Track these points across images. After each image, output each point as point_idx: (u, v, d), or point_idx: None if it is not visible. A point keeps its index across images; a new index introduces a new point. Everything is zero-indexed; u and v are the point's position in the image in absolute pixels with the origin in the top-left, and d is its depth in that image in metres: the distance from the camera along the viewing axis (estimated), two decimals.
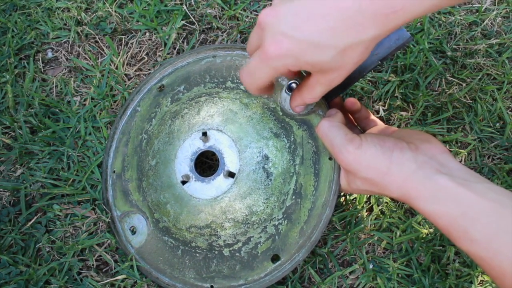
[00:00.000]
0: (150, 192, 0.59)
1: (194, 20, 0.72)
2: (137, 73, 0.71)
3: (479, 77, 0.68)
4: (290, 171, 0.54)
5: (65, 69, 0.73)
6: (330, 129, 0.48)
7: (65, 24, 0.75)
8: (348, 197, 0.62)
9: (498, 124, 0.66)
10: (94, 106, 0.69)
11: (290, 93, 0.51)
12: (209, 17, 0.72)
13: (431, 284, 0.57)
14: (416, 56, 0.68)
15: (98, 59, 0.72)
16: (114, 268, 0.60)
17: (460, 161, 0.64)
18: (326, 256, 0.60)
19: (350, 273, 0.60)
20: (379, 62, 0.48)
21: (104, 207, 0.62)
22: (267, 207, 0.54)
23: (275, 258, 0.54)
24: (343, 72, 0.40)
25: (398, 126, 0.66)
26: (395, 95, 0.67)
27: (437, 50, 0.70)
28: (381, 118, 0.66)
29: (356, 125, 0.60)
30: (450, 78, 0.68)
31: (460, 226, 0.39)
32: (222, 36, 0.72)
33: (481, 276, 0.57)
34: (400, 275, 0.58)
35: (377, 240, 0.61)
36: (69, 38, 0.73)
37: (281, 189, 0.54)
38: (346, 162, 0.46)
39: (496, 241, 0.37)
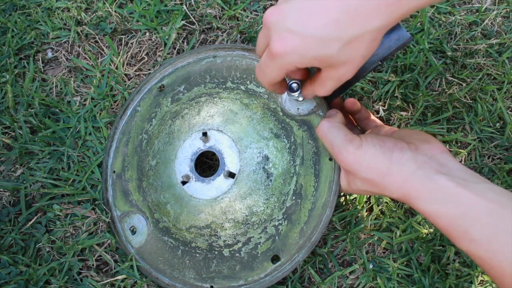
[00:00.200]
0: (150, 192, 0.59)
1: (194, 20, 0.72)
2: (137, 73, 0.71)
3: (479, 77, 0.68)
4: (290, 172, 0.54)
5: (65, 69, 0.73)
6: (330, 130, 0.48)
7: (65, 24, 0.75)
8: (348, 197, 0.62)
9: (498, 124, 0.66)
10: (94, 106, 0.69)
11: (291, 94, 0.51)
12: (209, 17, 0.72)
13: (431, 284, 0.57)
14: (416, 56, 0.68)
15: (98, 59, 0.72)
16: (114, 268, 0.60)
17: (460, 161, 0.64)
18: (326, 256, 0.60)
19: (350, 273, 0.60)
20: (379, 62, 0.48)
21: (104, 207, 0.62)
22: (267, 207, 0.54)
23: (275, 259, 0.54)
24: (352, 66, 0.40)
25: (398, 126, 0.66)
26: (395, 95, 0.67)
27: (437, 50, 0.70)
28: (381, 118, 0.66)
29: (356, 125, 0.60)
30: (450, 78, 0.68)
31: (460, 226, 0.39)
32: (222, 36, 0.72)
33: (481, 276, 0.57)
34: (400, 275, 0.59)
35: (377, 240, 0.61)
36: (69, 38, 0.73)
37: (281, 190, 0.54)
38: (346, 162, 0.46)
39: (496, 241, 0.37)
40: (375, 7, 0.35)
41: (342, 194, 0.62)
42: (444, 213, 0.40)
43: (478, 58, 0.69)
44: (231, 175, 0.55)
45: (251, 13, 0.73)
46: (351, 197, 0.62)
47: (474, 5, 0.74)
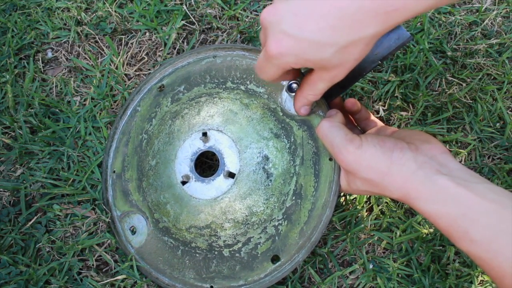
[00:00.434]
0: (150, 192, 0.59)
1: (194, 20, 0.72)
2: (137, 73, 0.71)
3: (479, 77, 0.68)
4: (290, 172, 0.54)
5: (65, 69, 0.73)
6: (330, 130, 0.48)
7: (65, 24, 0.75)
8: (348, 197, 0.62)
9: (498, 124, 0.66)
10: (94, 106, 0.69)
11: (291, 94, 0.51)
12: (209, 17, 0.72)
13: (431, 284, 0.57)
14: (416, 56, 0.68)
15: (98, 59, 0.72)
16: (114, 268, 0.60)
17: (460, 161, 0.64)
18: (326, 256, 0.60)
19: (350, 273, 0.60)
20: (379, 62, 0.48)
21: (104, 207, 0.62)
22: (267, 207, 0.54)
23: (275, 259, 0.54)
24: (345, 69, 0.41)
25: (398, 126, 0.66)
26: (395, 95, 0.67)
27: (437, 50, 0.70)
28: (381, 118, 0.66)
29: (356, 125, 0.60)
30: (450, 78, 0.68)
31: (460, 227, 0.39)
32: (222, 36, 0.72)
33: (481, 276, 0.57)
34: (400, 275, 0.58)
35: (377, 240, 0.61)
36: (69, 38, 0.73)
37: (281, 190, 0.54)
38: (346, 162, 0.46)
39: (496, 242, 0.37)
40: (372, 14, 0.35)
41: (342, 194, 0.62)
42: (444, 214, 0.40)
43: (478, 58, 0.69)
44: (231, 175, 0.55)
45: (251, 13, 0.73)
46: (351, 197, 0.62)
47: (474, 5, 0.74)
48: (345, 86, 0.52)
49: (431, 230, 0.60)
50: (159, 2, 0.73)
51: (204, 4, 0.73)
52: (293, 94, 0.51)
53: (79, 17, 0.73)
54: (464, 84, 0.67)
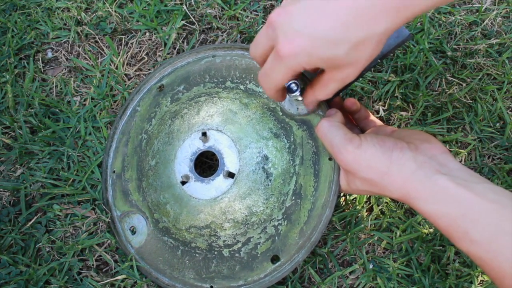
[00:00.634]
0: (150, 192, 0.59)
1: (194, 20, 0.72)
2: (137, 73, 0.71)
3: (479, 77, 0.67)
4: (290, 172, 0.54)
5: (65, 69, 0.73)
6: (330, 129, 0.48)
7: (65, 24, 0.75)
8: (348, 197, 0.62)
9: (498, 124, 0.66)
10: (94, 106, 0.69)
11: (290, 94, 0.51)
12: (209, 17, 0.72)
13: (431, 284, 0.57)
14: (416, 56, 0.68)
15: (98, 59, 0.72)
16: (114, 268, 0.60)
17: (460, 161, 0.64)
18: (326, 256, 0.60)
19: (350, 273, 0.60)
20: (379, 60, 0.48)
21: (104, 207, 0.62)
22: (267, 207, 0.54)
23: (274, 259, 0.54)
24: (357, 68, 0.40)
25: (398, 126, 0.66)
26: (395, 95, 0.67)
27: (437, 50, 0.70)
28: (381, 118, 0.66)
29: (356, 125, 0.60)
30: (450, 78, 0.68)
31: (460, 227, 0.39)
32: (222, 36, 0.72)
33: (481, 276, 0.57)
34: (400, 275, 0.58)
35: (377, 240, 0.61)
36: (69, 38, 0.73)
37: (280, 190, 0.54)
38: (345, 162, 0.46)
39: (496, 242, 0.37)
40: (383, 10, 0.36)
41: (342, 194, 0.62)
42: (444, 214, 0.40)
43: (478, 58, 0.69)
44: (231, 175, 0.55)
45: (251, 13, 0.73)
46: (351, 197, 0.62)
47: (474, 5, 0.73)
48: (345, 85, 0.52)
49: (431, 230, 0.60)
50: (159, 2, 0.73)
51: (204, 4, 0.73)
52: (293, 95, 0.51)
53: (79, 17, 0.73)
54: (464, 84, 0.67)
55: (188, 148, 0.58)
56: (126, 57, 0.71)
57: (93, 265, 0.60)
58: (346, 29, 0.37)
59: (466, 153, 0.64)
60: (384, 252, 0.61)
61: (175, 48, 0.71)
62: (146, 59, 0.72)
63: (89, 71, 0.71)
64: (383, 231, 0.61)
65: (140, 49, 0.72)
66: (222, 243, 0.55)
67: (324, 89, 0.45)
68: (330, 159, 0.53)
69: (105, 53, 0.72)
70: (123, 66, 0.71)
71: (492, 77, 0.68)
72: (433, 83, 0.68)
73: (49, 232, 0.62)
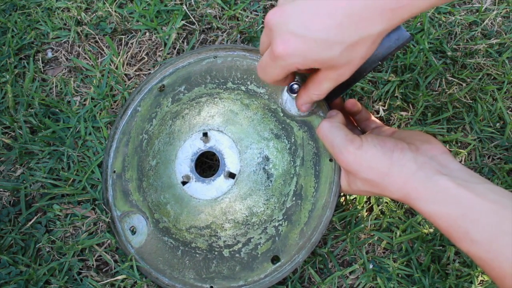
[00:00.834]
0: (150, 192, 0.59)
1: (194, 20, 0.72)
2: (137, 73, 0.71)
3: (479, 77, 0.68)
4: (291, 173, 0.54)
5: (65, 69, 0.73)
6: (331, 130, 0.48)
7: (65, 24, 0.75)
8: (348, 197, 0.62)
9: (498, 124, 0.66)
10: (94, 106, 0.69)
11: (292, 94, 0.51)
12: (209, 17, 0.72)
13: (431, 284, 0.57)
14: (416, 56, 0.68)
15: (98, 59, 0.72)
16: (114, 268, 0.60)
17: (460, 161, 0.64)
18: (326, 256, 0.60)
19: (350, 273, 0.60)
20: (379, 62, 0.48)
21: (104, 207, 0.62)
22: (268, 208, 0.54)
23: (275, 259, 0.54)
24: (351, 67, 0.40)
25: (398, 126, 0.66)
26: (395, 95, 0.67)
27: (437, 50, 0.70)
28: (381, 118, 0.66)
29: (357, 126, 0.60)
30: (450, 78, 0.68)
31: (461, 227, 0.39)
32: (222, 36, 0.72)
33: (481, 276, 0.58)
34: (400, 275, 0.59)
35: (377, 240, 0.61)
36: (69, 38, 0.73)
37: (281, 190, 0.54)
38: (346, 162, 0.46)
39: (497, 242, 0.37)
40: (378, 11, 0.36)
41: (342, 194, 0.62)
42: (444, 214, 0.40)
43: (478, 58, 0.69)
44: (231, 175, 0.55)
45: (251, 13, 0.73)
46: (351, 197, 0.62)
47: (474, 5, 0.74)
48: (346, 86, 0.52)
49: (431, 230, 0.60)
50: (159, 2, 0.73)
51: (204, 4, 0.73)
52: (294, 95, 0.51)
53: (79, 17, 0.73)
54: (464, 84, 0.68)
55: (189, 149, 0.58)
56: (126, 57, 0.71)
57: (93, 265, 0.60)
58: (341, 30, 0.37)
59: (466, 153, 0.64)
60: (384, 252, 0.61)
61: (175, 48, 0.71)
62: (146, 59, 0.71)
63: (89, 71, 0.71)
64: (383, 231, 0.61)
65: (140, 49, 0.72)
66: (223, 243, 0.55)
67: (318, 88, 0.45)
68: (330, 160, 0.54)
69: (105, 53, 0.72)
70: (123, 66, 0.71)
71: (492, 77, 0.68)
72: (433, 83, 0.68)
73: (49, 232, 0.62)
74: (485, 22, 0.72)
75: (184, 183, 0.57)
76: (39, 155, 0.66)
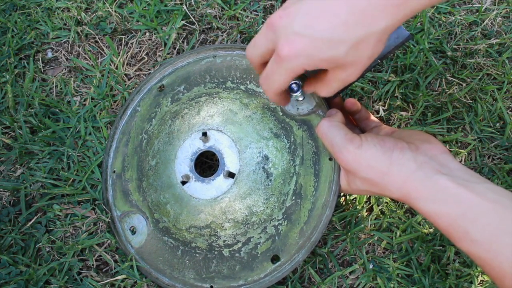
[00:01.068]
0: (150, 192, 0.59)
1: (194, 20, 0.72)
2: (137, 73, 0.71)
3: (479, 77, 0.67)
4: (290, 172, 0.54)
5: (65, 69, 0.73)
6: (330, 129, 0.48)
7: (65, 24, 0.75)
8: (348, 197, 0.62)
9: (498, 124, 0.66)
10: (94, 106, 0.69)
11: (292, 94, 0.51)
12: (209, 17, 0.72)
13: (431, 284, 0.57)
14: (416, 56, 0.68)
15: (98, 59, 0.72)
16: (114, 268, 0.60)
17: (460, 161, 0.64)
18: (326, 256, 0.60)
19: (350, 273, 0.60)
20: (379, 60, 0.48)
21: (104, 207, 0.62)
22: (267, 207, 0.54)
23: (275, 259, 0.54)
24: (359, 67, 0.40)
25: (398, 126, 0.66)
26: (395, 95, 0.67)
27: (437, 50, 0.70)
28: (381, 118, 0.66)
29: (356, 125, 0.60)
30: (450, 78, 0.68)
31: (460, 227, 0.39)
32: (222, 36, 0.72)
33: (481, 276, 0.57)
34: (400, 275, 0.58)
35: (377, 240, 0.61)
36: (69, 38, 0.73)
37: (281, 190, 0.54)
38: (346, 161, 0.46)
39: (497, 242, 0.37)
40: (382, 8, 0.36)
41: (342, 194, 0.62)
42: (444, 213, 0.40)
43: (478, 58, 0.69)
44: (231, 175, 0.55)
45: (251, 13, 0.73)
46: (351, 197, 0.62)
47: (474, 5, 0.74)
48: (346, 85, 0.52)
49: (431, 230, 0.60)
50: (159, 2, 0.73)
51: (204, 4, 0.73)
52: (294, 95, 0.51)
53: (79, 17, 0.73)
54: (464, 84, 0.67)
55: (188, 148, 0.58)
56: (126, 57, 0.71)
57: (93, 265, 0.60)
58: (346, 29, 0.37)
59: (466, 153, 0.64)
60: (384, 252, 0.61)
61: (175, 48, 0.71)
62: (146, 59, 0.72)
63: (89, 71, 0.71)
64: (383, 231, 0.61)
65: (140, 49, 0.72)
66: (222, 243, 0.55)
67: (326, 88, 0.44)
68: (330, 159, 0.53)
69: (105, 53, 0.72)
70: (123, 66, 0.71)
71: (492, 77, 0.68)
72: (433, 83, 0.68)
73: (49, 232, 0.62)
74: (485, 22, 0.72)
75: (183, 182, 0.57)
76: (39, 155, 0.66)
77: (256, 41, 0.43)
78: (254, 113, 0.57)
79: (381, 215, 0.61)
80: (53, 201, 0.63)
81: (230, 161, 0.55)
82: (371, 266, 0.59)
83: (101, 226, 0.62)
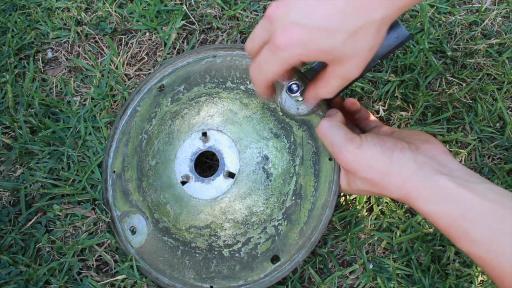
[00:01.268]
0: (150, 192, 0.59)
1: (194, 20, 0.72)
2: (137, 73, 0.71)
3: (479, 77, 0.67)
4: (290, 172, 0.54)
5: (65, 69, 0.73)
6: (330, 129, 0.47)
7: (65, 24, 0.75)
8: (348, 197, 0.62)
9: (498, 124, 0.66)
10: (94, 106, 0.69)
11: (291, 94, 0.51)
12: (209, 17, 0.72)
13: (431, 284, 0.57)
14: (416, 56, 0.68)
15: (98, 59, 0.72)
16: (114, 268, 0.60)
17: (460, 161, 0.64)
18: (326, 256, 0.60)
19: (350, 273, 0.60)
20: (379, 60, 0.48)
21: (104, 207, 0.62)
22: (267, 207, 0.54)
23: (274, 259, 0.54)
24: (358, 62, 0.39)
25: (398, 126, 0.66)
26: (395, 95, 0.67)
27: (437, 50, 0.70)
28: (381, 118, 0.66)
29: (356, 125, 0.60)
30: (450, 78, 0.68)
31: (460, 227, 0.39)
32: (222, 36, 0.72)
33: (481, 276, 0.57)
34: (400, 275, 0.58)
35: (377, 240, 0.61)
36: (69, 38, 0.73)
37: (281, 190, 0.54)
38: (346, 161, 0.46)
39: (497, 242, 0.37)
40: None
41: (342, 194, 0.62)
42: (444, 214, 0.40)
43: (478, 58, 0.69)
44: (231, 175, 0.55)
45: (251, 13, 0.73)
46: (351, 197, 0.62)
47: (474, 5, 0.74)
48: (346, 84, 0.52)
49: (431, 230, 0.60)
50: (159, 2, 0.73)
51: (204, 4, 0.73)
52: (293, 95, 0.51)
53: (79, 17, 0.73)
54: (464, 84, 0.67)
55: (188, 148, 0.58)
56: (126, 57, 0.71)
57: (93, 265, 0.60)
58: (343, 18, 0.36)
59: (466, 153, 0.64)
60: (384, 252, 0.61)
61: (175, 48, 0.71)
62: (146, 59, 0.72)
63: (89, 71, 0.71)
64: (383, 231, 0.61)
65: (140, 49, 0.72)
66: (222, 243, 0.55)
67: (326, 85, 0.44)
68: (330, 159, 0.53)
69: (105, 53, 0.72)
70: (123, 66, 0.71)
71: (492, 77, 0.68)
72: (433, 83, 0.68)
73: (49, 232, 0.62)
74: (485, 22, 0.72)
75: (183, 183, 0.57)
76: (39, 155, 0.66)
77: (254, 33, 0.43)
78: (254, 113, 0.57)
79: (381, 215, 0.61)
80: (53, 201, 0.63)
81: (230, 161, 0.55)
82: (371, 266, 0.59)
83: (101, 226, 0.62)
